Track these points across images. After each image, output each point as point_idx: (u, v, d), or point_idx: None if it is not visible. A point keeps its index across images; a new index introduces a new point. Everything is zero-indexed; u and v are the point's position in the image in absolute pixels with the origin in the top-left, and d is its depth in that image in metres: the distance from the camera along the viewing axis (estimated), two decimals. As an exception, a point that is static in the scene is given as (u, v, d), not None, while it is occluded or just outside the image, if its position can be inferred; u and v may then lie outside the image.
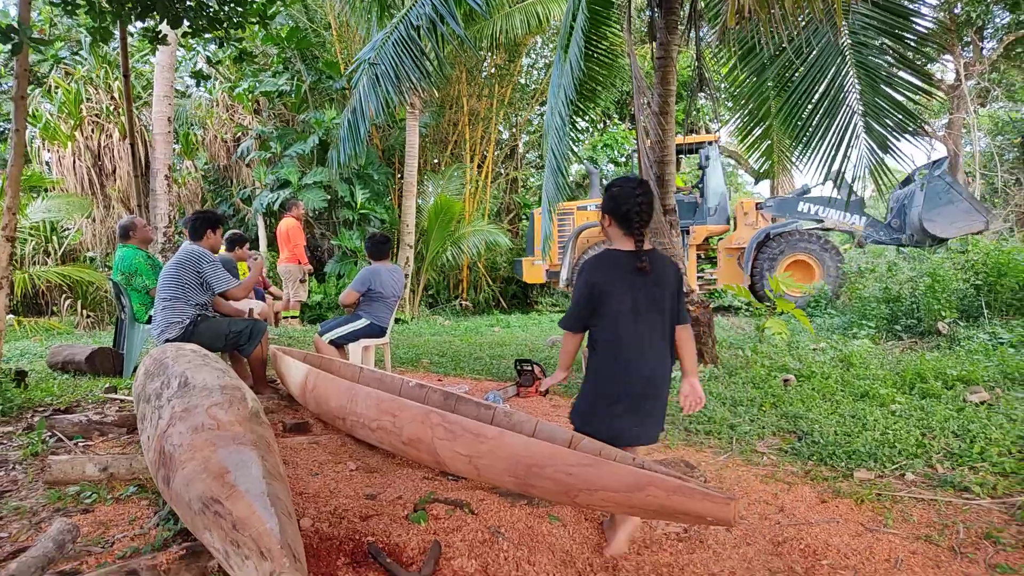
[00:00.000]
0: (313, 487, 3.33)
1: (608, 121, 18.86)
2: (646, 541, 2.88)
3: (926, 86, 5.01)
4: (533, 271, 13.55)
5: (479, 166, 15.68)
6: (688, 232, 13.06)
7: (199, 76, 9.07)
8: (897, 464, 3.92)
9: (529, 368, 6.06)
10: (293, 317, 10.90)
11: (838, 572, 2.64)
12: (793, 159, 6.43)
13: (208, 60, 12.98)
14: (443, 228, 13.10)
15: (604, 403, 2.77)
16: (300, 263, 10.64)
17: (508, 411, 3.48)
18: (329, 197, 12.90)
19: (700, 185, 13.41)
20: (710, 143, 13.27)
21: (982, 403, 5.20)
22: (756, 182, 27.83)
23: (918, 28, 5.38)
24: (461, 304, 14.85)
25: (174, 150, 13.16)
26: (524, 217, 17.04)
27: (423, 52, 7.12)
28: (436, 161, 15.95)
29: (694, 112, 17.53)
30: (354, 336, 5.95)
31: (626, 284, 2.73)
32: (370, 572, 2.54)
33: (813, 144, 5.39)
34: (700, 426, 4.85)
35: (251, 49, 12.52)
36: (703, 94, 8.24)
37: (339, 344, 5.95)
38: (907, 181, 12.47)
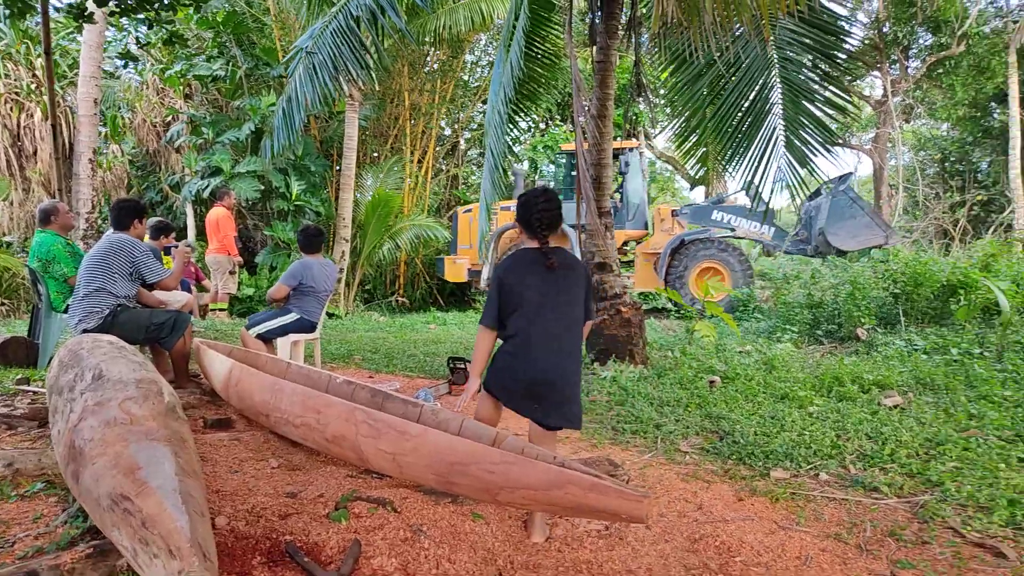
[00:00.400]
0: (231, 485, 3.25)
1: (550, 122, 18.98)
2: (567, 539, 2.91)
3: (844, 103, 5.21)
4: (454, 269, 13.54)
5: (419, 161, 15.57)
6: None
7: (127, 57, 8.70)
8: (812, 464, 4.07)
9: (462, 366, 6.05)
10: (221, 310, 10.61)
11: (751, 569, 2.73)
12: (726, 167, 6.61)
13: (138, 42, 12.50)
14: (381, 222, 12.95)
15: (511, 383, 3.00)
16: (230, 254, 10.36)
17: (435, 409, 3.47)
18: (263, 187, 12.59)
19: (620, 191, 13.67)
20: (631, 149, 13.47)
21: (895, 407, 5.45)
22: (692, 188, 28.47)
23: (844, 45, 5.59)
24: (397, 300, 14.72)
25: (100, 133, 12.60)
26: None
27: (363, 44, 7.02)
28: (376, 154, 15.76)
29: (633, 117, 17.80)
30: (283, 331, 5.83)
31: (536, 280, 2.98)
32: (287, 571, 2.49)
33: (739, 154, 5.55)
34: (628, 425, 4.94)
35: (184, 32, 12.11)
36: (640, 99, 8.37)
37: (267, 339, 5.82)
38: (815, 194, 13.00)
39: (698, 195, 29.12)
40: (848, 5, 23.25)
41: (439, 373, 6.93)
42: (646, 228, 13.82)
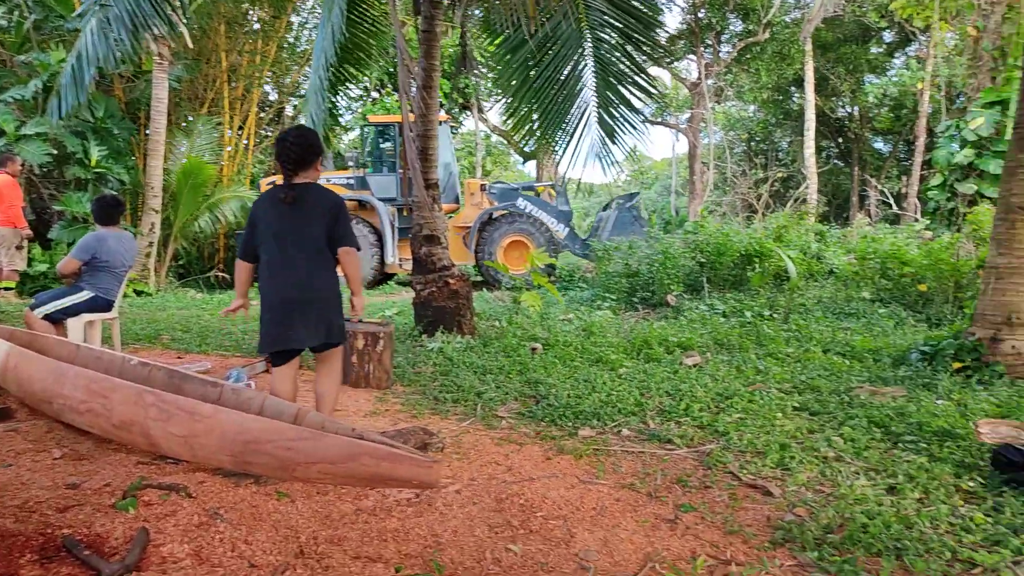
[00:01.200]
0: (2, 480, 2.93)
1: (382, 90, 18.57)
2: (376, 509, 2.91)
3: (648, 86, 5.52)
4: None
5: (240, 127, 14.68)
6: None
7: None
8: (616, 422, 4.34)
9: (280, 343, 5.81)
10: (7, 289, 9.48)
11: (550, 522, 2.87)
12: (547, 141, 6.79)
13: None
14: (195, 193, 12.10)
15: (268, 314, 3.30)
16: (16, 227, 9.25)
17: (238, 388, 3.32)
18: (56, 152, 11.32)
19: None
20: (441, 123, 13.53)
21: (695, 365, 5.93)
22: (524, 162, 29.12)
23: (651, 32, 5.89)
24: (217, 276, 13.88)
25: None
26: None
27: (164, -4, 6.45)
28: (191, 119, 14.66)
29: (464, 89, 17.82)
30: (74, 310, 5.31)
31: (276, 214, 3.27)
32: (63, 567, 2.30)
33: (557, 128, 5.73)
34: (449, 394, 5.00)
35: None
36: (467, 71, 8.38)
37: (55, 319, 5.27)
38: (608, 206, 13.96)
39: (531, 168, 29.84)
40: (667, -10, 24.62)
41: (256, 351, 6.62)
42: (457, 202, 14.03)
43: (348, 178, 13.56)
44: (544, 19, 5.62)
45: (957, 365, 5.28)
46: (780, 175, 25.15)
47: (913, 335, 6.63)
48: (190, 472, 3.10)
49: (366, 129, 13.93)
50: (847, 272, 9.41)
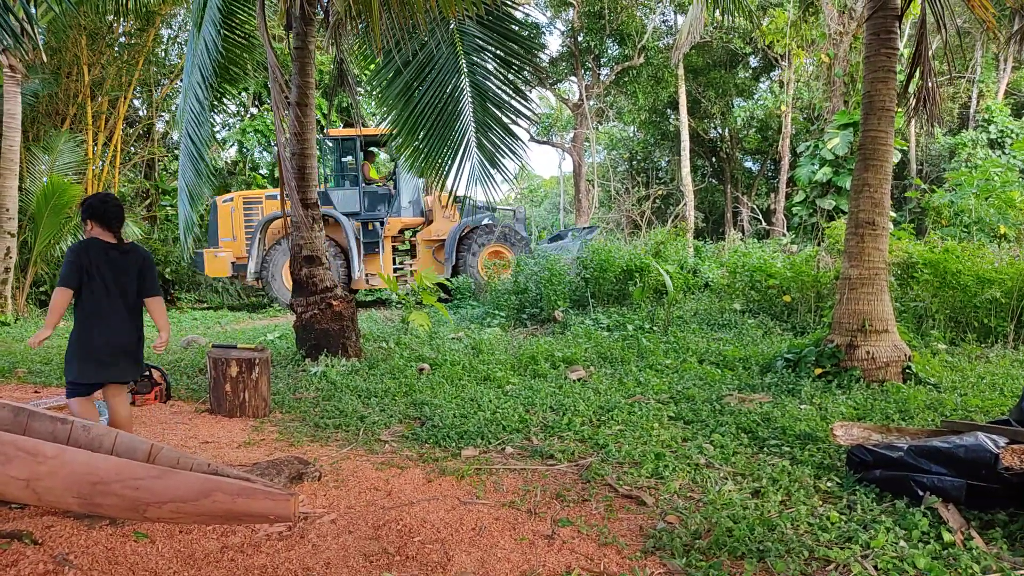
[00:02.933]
0: None
1: (260, 106, 18.00)
2: (244, 545, 2.77)
3: (526, 109, 5.63)
4: (216, 264, 12.74)
5: (105, 144, 13.83)
6: (383, 223, 13.48)
7: None
8: (501, 440, 4.35)
9: (147, 373, 5.49)
10: None
11: (427, 546, 2.83)
12: (430, 164, 6.75)
13: None
14: (56, 214, 11.27)
15: (89, 351, 3.64)
16: None
17: (89, 425, 3.09)
18: None
19: (394, 178, 13.85)
20: None
21: (579, 380, 6.05)
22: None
23: (528, 55, 6.01)
24: (85, 302, 12.94)
25: None
26: (165, 204, 15.49)
27: (7, 6, 6.00)
28: (50, 136, 13.67)
29: (348, 108, 17.56)
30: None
31: (107, 265, 3.65)
32: None
33: (437, 151, 5.74)
34: (330, 420, 4.86)
35: None
36: (345, 90, 8.26)
37: None
38: (556, 237, 14.43)
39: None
40: (547, 15, 25.31)
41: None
42: (423, 216, 14.11)
43: None
44: (418, 46, 5.64)
45: (818, 371, 5.64)
46: (660, 193, 26.24)
47: (779, 343, 7.03)
48: (36, 517, 2.85)
49: (327, 143, 13.83)
50: (720, 285, 9.91)
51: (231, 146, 16.98)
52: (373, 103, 17.63)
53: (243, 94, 16.92)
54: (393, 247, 14.09)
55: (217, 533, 2.86)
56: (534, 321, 9.44)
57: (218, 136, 16.41)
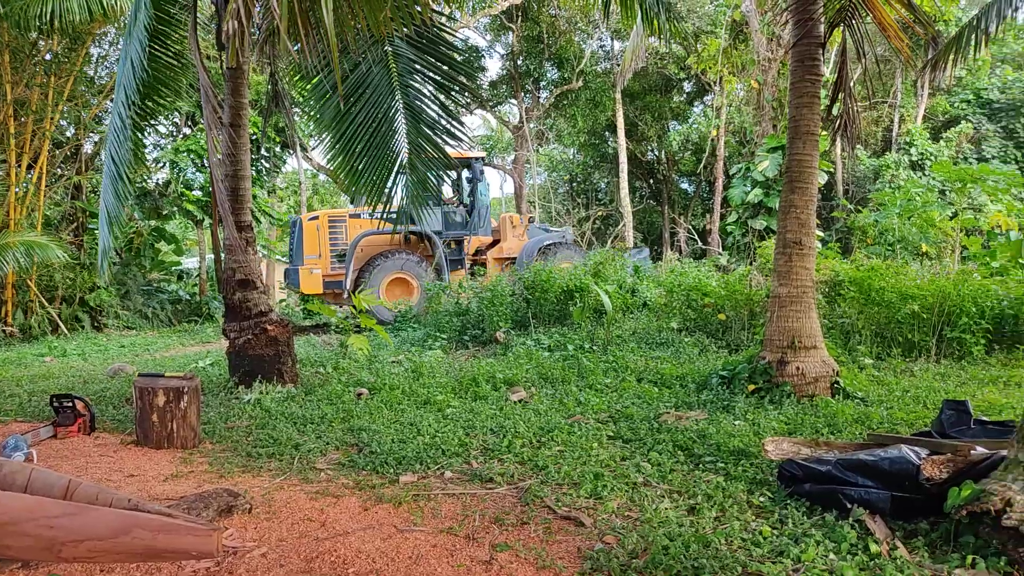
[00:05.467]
0: None
1: (194, 126, 17.58)
2: (168, 585, 2.66)
3: (458, 132, 5.65)
4: (311, 280, 13.02)
5: (30, 166, 13.27)
6: (463, 243, 14.26)
7: None
8: (440, 464, 4.30)
9: (69, 404, 5.25)
10: None
11: (362, 578, 2.77)
12: (361, 184, 6.67)
13: None
14: (-26, 239, 10.73)
15: None
16: None
17: (2, 461, 2.92)
18: None
19: (471, 198, 14.37)
20: (478, 159, 14.31)
21: (520, 401, 6.04)
22: (352, 201, 28.65)
23: (460, 78, 6.03)
24: (4, 330, 12.34)
25: None
26: (93, 228, 14.92)
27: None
28: (-32, 157, 13.06)
29: (284, 128, 17.33)
30: None
31: None
32: None
33: (373, 172, 5.71)
34: (263, 449, 4.72)
35: None
36: (280, 111, 8.14)
37: None
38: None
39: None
40: (487, 38, 25.59)
41: (45, 414, 5.92)
42: (492, 235, 14.70)
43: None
44: (350, 67, 5.61)
45: (751, 387, 5.77)
46: (600, 213, 26.67)
47: (715, 361, 7.18)
48: (-63, 565, 2.68)
49: None
50: (658, 304, 10.08)
51: (162, 167, 16.52)
52: (306, 123, 17.49)
53: (175, 114, 16.51)
54: (472, 264, 14.61)
55: (141, 571, 2.74)
56: (476, 342, 9.42)
57: (149, 156, 15.96)
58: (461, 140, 5.71)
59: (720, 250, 19.39)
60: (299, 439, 4.92)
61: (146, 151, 12.09)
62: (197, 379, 5.10)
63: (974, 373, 6.58)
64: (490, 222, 14.96)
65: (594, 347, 8.16)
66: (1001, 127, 21.06)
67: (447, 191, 14.83)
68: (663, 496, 3.59)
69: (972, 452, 3.17)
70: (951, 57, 7.39)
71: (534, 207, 25.93)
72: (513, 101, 26.03)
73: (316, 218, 13.62)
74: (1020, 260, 10.45)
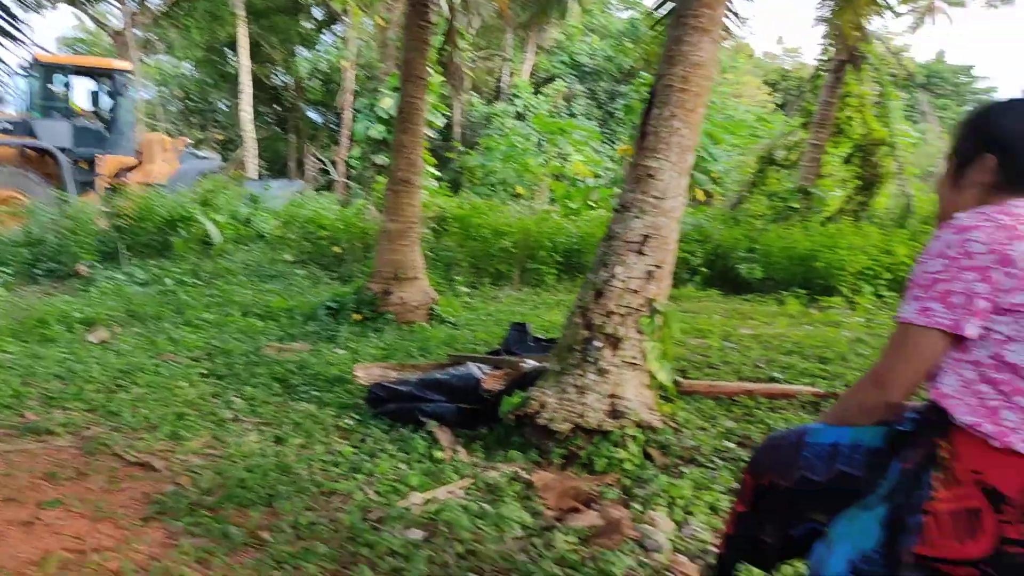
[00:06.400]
0: None
1: None
2: None
3: (16, 31, 4.66)
4: None
5: None
6: (94, 162, 12.28)
7: None
8: (-8, 419, 3.62)
9: None
10: None
11: None
12: None
13: None
14: None
15: None
16: None
17: None
18: None
19: (113, 114, 13.01)
20: (122, 71, 13.08)
21: (101, 342, 5.37)
22: None
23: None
24: None
25: None
26: None
27: None
28: None
29: None
30: None
31: None
32: None
33: None
34: None
35: None
36: None
37: None
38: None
39: None
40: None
41: None
42: (134, 155, 12.99)
43: (5, 121, 11.82)
44: None
45: (357, 317, 5.95)
46: (219, 137, 24.66)
47: (326, 293, 7.23)
48: None
49: (32, 69, 12.15)
50: (274, 236, 9.77)
51: None
52: None
53: None
54: (108, 188, 12.14)
55: None
56: (51, 277, 8.08)
57: None
58: (23, 41, 4.68)
59: (348, 182, 19.47)
60: None
61: None
62: None
63: (545, 298, 7.69)
64: (132, 142, 13.45)
65: (197, 281, 7.60)
66: (587, 88, 24.52)
67: (82, 103, 12.92)
68: (251, 430, 3.52)
69: (523, 365, 3.69)
70: (546, 19, 8.32)
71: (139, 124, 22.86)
72: (115, 2, 22.35)
73: None
74: (588, 203, 12.43)
